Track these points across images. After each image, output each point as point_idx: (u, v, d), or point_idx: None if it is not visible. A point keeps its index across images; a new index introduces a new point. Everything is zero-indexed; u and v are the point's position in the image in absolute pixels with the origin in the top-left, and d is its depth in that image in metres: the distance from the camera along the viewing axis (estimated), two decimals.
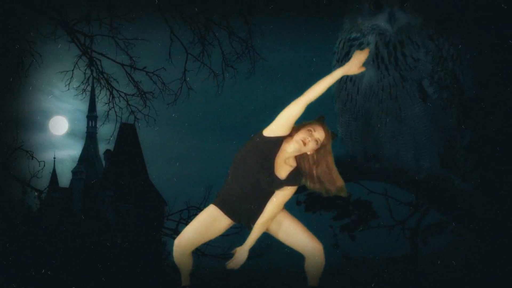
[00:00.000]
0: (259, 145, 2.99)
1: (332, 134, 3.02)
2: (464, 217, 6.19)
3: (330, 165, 3.01)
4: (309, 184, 3.06)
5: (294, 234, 3.15)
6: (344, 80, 5.87)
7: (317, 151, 2.98)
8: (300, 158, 3.02)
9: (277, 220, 3.16)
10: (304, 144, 2.94)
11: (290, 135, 2.99)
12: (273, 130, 2.98)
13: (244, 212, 3.15)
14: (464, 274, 6.34)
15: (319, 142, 2.96)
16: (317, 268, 3.16)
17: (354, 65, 2.94)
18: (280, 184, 3.02)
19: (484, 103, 6.36)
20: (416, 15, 5.70)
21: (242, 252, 3.12)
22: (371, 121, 5.86)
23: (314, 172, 3.01)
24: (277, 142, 2.98)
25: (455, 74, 5.96)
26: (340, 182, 3.04)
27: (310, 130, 2.96)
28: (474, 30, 6.40)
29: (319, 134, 2.97)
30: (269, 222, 3.09)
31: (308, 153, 2.97)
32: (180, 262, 3.26)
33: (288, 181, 3.03)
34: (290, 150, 2.99)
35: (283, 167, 3.03)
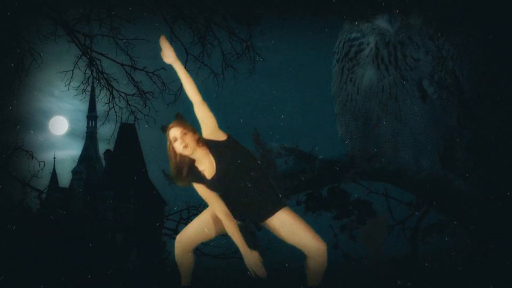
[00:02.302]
0: (190, 178, 3.15)
1: (176, 117, 3.11)
2: (464, 217, 6.19)
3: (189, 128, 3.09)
4: None
5: (297, 232, 3.14)
6: (344, 80, 5.87)
7: (185, 138, 3.05)
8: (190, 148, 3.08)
9: (280, 218, 3.15)
10: (185, 147, 3.05)
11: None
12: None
13: (241, 209, 3.15)
14: (463, 274, 6.34)
15: (177, 137, 3.05)
16: (319, 267, 3.16)
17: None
18: (225, 173, 3.08)
19: (484, 103, 6.36)
20: (416, 15, 5.70)
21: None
22: (371, 121, 5.85)
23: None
24: (189, 161, 3.11)
25: (455, 74, 5.96)
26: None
27: (171, 141, 3.08)
28: (474, 30, 6.40)
29: (172, 134, 3.07)
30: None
31: (187, 149, 3.04)
32: (181, 260, 3.26)
33: (224, 163, 3.10)
34: (194, 157, 3.09)
35: (206, 168, 3.10)
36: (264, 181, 3.14)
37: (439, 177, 6.08)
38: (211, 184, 3.10)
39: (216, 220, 3.20)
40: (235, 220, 3.15)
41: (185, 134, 3.07)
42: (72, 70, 8.62)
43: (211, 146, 3.09)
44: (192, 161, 3.11)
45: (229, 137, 3.11)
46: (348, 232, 6.93)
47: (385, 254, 7.18)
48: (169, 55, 3.22)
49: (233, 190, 3.09)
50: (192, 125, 3.13)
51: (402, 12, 5.60)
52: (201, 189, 3.15)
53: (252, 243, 3.18)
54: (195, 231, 3.21)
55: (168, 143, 3.11)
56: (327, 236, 6.74)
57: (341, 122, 6.08)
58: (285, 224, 3.15)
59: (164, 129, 3.15)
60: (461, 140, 6.22)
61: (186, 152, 3.06)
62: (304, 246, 3.13)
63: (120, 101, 8.88)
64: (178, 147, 3.07)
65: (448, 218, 6.58)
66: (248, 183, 3.08)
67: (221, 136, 3.10)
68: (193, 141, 3.08)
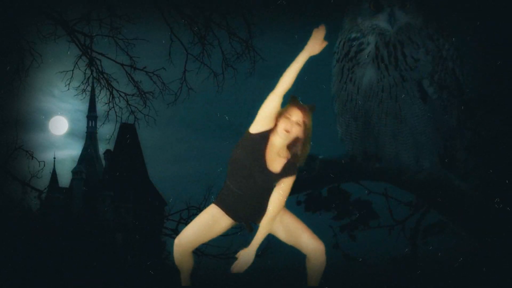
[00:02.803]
0: (248, 143, 3.01)
1: (310, 107, 3.04)
2: (464, 217, 6.19)
3: (309, 137, 3.02)
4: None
5: (296, 233, 3.15)
6: (344, 80, 5.87)
7: (299, 130, 2.99)
8: (291, 144, 3.03)
9: (279, 219, 3.15)
10: (288, 132, 2.96)
11: (276, 126, 3.01)
12: (257, 126, 3.00)
13: (244, 212, 3.15)
14: (464, 274, 6.34)
15: (300, 122, 2.97)
16: (318, 268, 3.16)
17: (315, 44, 2.98)
18: (276, 178, 3.02)
19: (484, 103, 6.36)
20: (416, 15, 5.69)
21: (247, 254, 3.09)
22: (371, 121, 5.85)
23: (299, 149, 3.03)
24: (264, 137, 3.00)
25: (455, 74, 5.96)
26: (307, 151, 3.03)
27: (288, 116, 2.97)
28: (474, 30, 6.40)
29: (296, 116, 2.98)
30: (274, 219, 3.08)
31: (299, 136, 2.99)
32: (180, 262, 3.25)
33: (284, 174, 3.03)
34: (277, 142, 3.00)
35: (276, 160, 3.03)
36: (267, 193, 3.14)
37: (439, 177, 6.07)
38: (254, 166, 3.01)
39: (215, 222, 3.19)
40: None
41: (299, 125, 2.99)
42: (72, 70, 8.63)
43: (292, 163, 3.03)
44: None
45: None
46: (348, 232, 6.93)
47: (385, 254, 7.18)
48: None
49: (252, 194, 3.07)
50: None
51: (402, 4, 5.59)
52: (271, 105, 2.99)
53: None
54: (194, 233, 3.20)
55: (286, 108, 3.01)
56: (327, 236, 6.76)
57: (341, 122, 6.07)
58: (283, 224, 3.15)
59: (294, 99, 3.05)
60: (461, 140, 6.21)
61: (282, 135, 2.97)
62: (302, 246, 3.14)
63: (120, 101, 8.90)
64: (289, 127, 2.96)
65: (448, 218, 6.58)
66: (263, 183, 3.06)
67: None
68: (294, 136, 3.00)
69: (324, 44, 3.00)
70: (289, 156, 3.01)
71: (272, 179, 3.01)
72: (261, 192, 3.07)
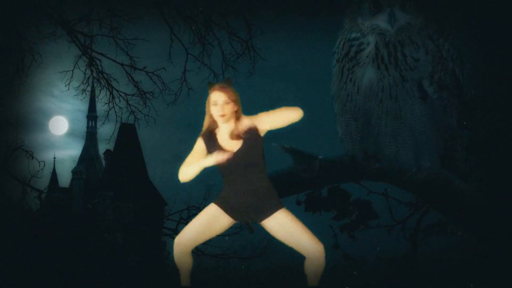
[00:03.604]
0: (204, 141, 3.14)
1: (226, 81, 3.13)
2: (464, 217, 6.19)
3: (238, 111, 3.09)
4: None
5: (295, 234, 3.15)
6: (344, 80, 5.87)
7: (225, 107, 3.05)
8: (232, 119, 3.07)
9: (278, 219, 3.15)
10: (222, 115, 3.05)
11: (214, 123, 3.12)
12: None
13: (243, 210, 3.15)
14: (464, 274, 6.34)
15: (221, 100, 3.06)
16: (317, 268, 3.16)
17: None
18: (248, 147, 3.07)
19: (484, 103, 6.36)
20: (416, 15, 5.69)
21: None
22: (371, 121, 5.85)
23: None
24: (212, 132, 3.11)
25: (455, 74, 5.96)
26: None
27: (210, 103, 3.08)
28: (474, 30, 6.40)
29: (214, 97, 3.07)
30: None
31: (223, 118, 3.05)
32: (180, 261, 3.25)
33: (249, 136, 3.08)
34: (226, 128, 3.09)
35: (234, 139, 3.09)
36: (265, 182, 3.14)
37: (439, 177, 6.07)
38: (217, 152, 3.07)
39: (215, 221, 3.19)
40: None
41: (227, 103, 3.07)
42: (72, 70, 8.62)
43: (249, 129, 3.08)
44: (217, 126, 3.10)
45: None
46: (348, 232, 6.93)
47: (385, 254, 7.19)
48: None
49: (241, 188, 3.10)
50: (238, 93, 3.12)
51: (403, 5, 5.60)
52: (199, 147, 3.14)
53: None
54: (194, 232, 3.20)
55: (207, 99, 3.11)
56: (327, 236, 6.76)
57: (341, 122, 6.07)
58: (283, 225, 3.15)
59: (210, 86, 3.14)
60: (461, 140, 6.21)
61: (220, 121, 3.06)
62: (301, 247, 3.14)
63: (120, 101, 8.89)
64: (215, 112, 3.07)
65: (448, 218, 6.58)
66: (255, 181, 3.09)
67: (263, 131, 3.11)
68: (231, 113, 3.08)
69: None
70: (242, 127, 3.07)
71: (246, 152, 3.05)
72: (253, 189, 3.08)
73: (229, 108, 3.07)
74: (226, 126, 3.11)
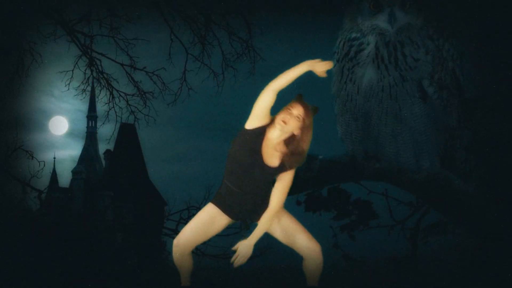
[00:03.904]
0: (244, 139, 3.02)
1: (313, 108, 3.03)
2: (464, 217, 6.19)
3: (308, 140, 3.00)
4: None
5: (292, 234, 3.14)
6: (344, 80, 5.87)
7: (297, 126, 2.98)
8: (288, 140, 3.02)
9: (277, 219, 3.15)
10: (285, 123, 2.96)
11: (273, 123, 3.01)
12: (252, 122, 3.00)
13: (242, 210, 3.15)
14: (464, 274, 6.34)
15: (300, 118, 2.96)
16: (316, 268, 3.16)
17: (321, 66, 2.98)
18: (274, 172, 3.02)
19: (484, 103, 6.36)
20: (416, 15, 5.69)
21: (246, 246, 3.09)
22: (371, 121, 5.85)
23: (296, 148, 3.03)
24: (260, 133, 3.01)
25: (455, 74, 5.96)
26: (304, 154, 3.03)
27: (289, 109, 2.98)
28: (474, 30, 6.40)
29: (297, 110, 2.98)
30: (275, 214, 3.08)
31: (295, 132, 2.98)
32: (179, 262, 3.25)
33: (281, 168, 3.02)
34: (274, 135, 3.00)
35: (274, 155, 3.02)
36: (266, 187, 3.14)
37: (439, 177, 6.07)
38: (247, 154, 3.01)
39: (213, 221, 3.19)
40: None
41: (303, 126, 2.99)
42: (72, 70, 8.62)
43: (287, 160, 3.03)
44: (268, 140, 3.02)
45: None
46: (348, 232, 6.93)
47: (385, 254, 7.18)
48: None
49: (249, 188, 3.07)
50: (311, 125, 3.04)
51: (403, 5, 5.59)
52: (265, 102, 3.00)
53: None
54: (192, 232, 3.20)
55: (287, 107, 3.00)
56: (327, 236, 6.76)
57: (341, 122, 6.07)
58: (281, 225, 3.15)
59: (299, 98, 3.04)
60: (461, 140, 6.21)
61: (282, 127, 2.97)
62: (298, 247, 3.14)
63: (120, 101, 8.89)
64: (287, 119, 2.96)
65: (448, 218, 6.58)
66: (262, 183, 3.07)
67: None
68: (294, 131, 3.00)
69: (324, 74, 3.00)
70: (287, 152, 3.00)
71: (270, 174, 3.01)
72: (259, 189, 3.07)
73: (295, 125, 2.98)
74: (276, 135, 3.03)
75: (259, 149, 2.99)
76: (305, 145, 3.00)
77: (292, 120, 2.95)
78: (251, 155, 2.99)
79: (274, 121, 3.00)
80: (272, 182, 3.09)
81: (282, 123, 2.95)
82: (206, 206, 3.22)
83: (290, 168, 3.02)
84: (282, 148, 3.01)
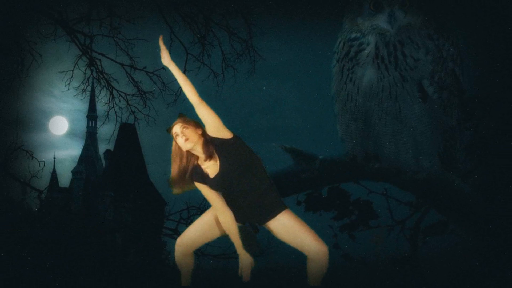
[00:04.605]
0: (200, 180, 3.15)
1: (179, 117, 3.11)
2: (464, 217, 6.19)
3: (192, 124, 3.09)
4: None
5: (299, 235, 3.12)
6: (344, 80, 5.87)
7: (186, 132, 3.06)
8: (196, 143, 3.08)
9: (282, 221, 3.14)
10: (181, 144, 3.05)
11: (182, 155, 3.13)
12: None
13: (243, 212, 3.14)
14: (463, 274, 6.34)
15: (178, 134, 3.06)
16: (320, 269, 3.14)
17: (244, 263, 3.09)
18: (226, 161, 3.09)
19: (484, 103, 6.36)
20: (416, 15, 5.70)
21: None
22: (371, 121, 5.85)
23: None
24: (187, 166, 3.12)
25: (455, 74, 5.96)
26: (210, 126, 3.10)
27: (175, 137, 3.09)
28: (474, 30, 6.40)
29: (174, 130, 3.07)
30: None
31: (188, 142, 3.04)
32: (181, 262, 3.25)
33: (223, 150, 3.10)
34: (196, 154, 3.09)
35: (209, 164, 3.09)
36: (266, 182, 3.12)
37: (439, 177, 6.07)
38: (214, 183, 3.08)
39: (216, 222, 3.18)
40: (235, 222, 3.14)
41: (185, 128, 3.06)
42: (72, 70, 8.61)
43: (216, 144, 3.07)
44: (196, 159, 3.10)
45: (234, 136, 3.07)
46: (348, 232, 6.93)
47: (385, 254, 7.18)
48: (164, 57, 3.23)
49: (236, 190, 3.08)
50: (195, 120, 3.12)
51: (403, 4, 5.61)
52: (204, 190, 3.13)
53: (253, 245, 3.17)
54: (195, 234, 3.19)
55: (173, 144, 3.11)
56: (327, 236, 6.76)
57: (341, 122, 6.07)
58: (287, 226, 3.12)
59: (169, 130, 3.15)
60: (461, 140, 6.22)
61: (188, 145, 3.03)
62: (305, 248, 3.11)
63: (120, 101, 8.88)
64: (180, 141, 3.05)
65: (448, 218, 6.58)
66: (251, 183, 3.06)
67: (226, 135, 3.06)
68: (195, 135, 3.05)
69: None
70: (204, 148, 3.07)
71: (229, 164, 3.06)
72: (255, 186, 3.07)
73: (190, 132, 3.05)
74: (199, 151, 3.08)
75: (207, 174, 3.10)
76: (200, 129, 3.07)
77: (181, 137, 3.07)
78: (205, 176, 3.09)
79: (190, 158, 3.11)
80: (262, 183, 3.10)
81: (186, 144, 3.05)
82: (210, 208, 3.21)
83: (216, 136, 3.08)
84: (201, 151, 3.07)
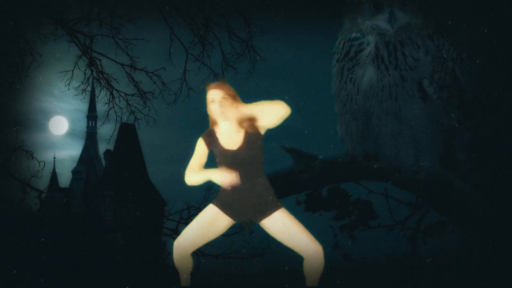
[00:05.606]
0: (205, 141, 3.15)
1: (221, 79, 3.17)
2: (464, 217, 6.19)
3: (237, 103, 3.11)
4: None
5: (293, 235, 3.14)
6: (344, 80, 5.87)
7: (224, 103, 3.06)
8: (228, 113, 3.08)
9: (277, 219, 3.15)
10: (215, 112, 3.08)
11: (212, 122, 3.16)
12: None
13: (242, 208, 3.15)
14: (464, 274, 6.34)
15: (215, 99, 3.07)
16: (316, 269, 3.16)
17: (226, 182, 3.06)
18: (247, 146, 3.08)
19: (484, 103, 6.36)
20: (416, 15, 5.70)
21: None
22: (371, 121, 5.85)
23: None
24: (212, 131, 3.13)
25: (455, 74, 5.96)
26: (250, 112, 3.12)
27: (209, 102, 3.10)
28: (474, 30, 6.40)
29: (210, 95, 3.09)
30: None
31: (223, 115, 3.05)
32: (179, 264, 3.25)
33: (251, 135, 3.09)
34: (225, 124, 3.10)
35: (235, 136, 3.09)
36: (263, 181, 3.14)
37: (439, 177, 6.07)
38: (221, 154, 3.07)
39: (214, 222, 3.19)
40: (197, 173, 3.13)
41: (225, 99, 3.06)
42: (72, 70, 8.62)
43: (251, 128, 3.07)
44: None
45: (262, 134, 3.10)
46: (348, 232, 6.92)
47: (385, 254, 7.18)
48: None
49: (245, 188, 3.09)
50: (234, 90, 3.12)
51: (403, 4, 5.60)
52: (200, 149, 3.14)
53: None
54: (193, 234, 3.20)
55: (206, 99, 3.10)
56: (327, 236, 6.76)
57: (341, 122, 6.07)
58: (282, 225, 3.14)
59: (206, 85, 3.14)
60: (461, 140, 6.21)
61: (220, 117, 3.04)
62: (300, 248, 3.13)
63: (120, 101, 8.89)
64: (214, 109, 3.06)
65: (448, 218, 6.58)
66: (251, 180, 3.08)
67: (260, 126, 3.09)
68: (232, 109, 3.06)
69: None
70: (241, 123, 3.07)
71: (246, 148, 3.05)
72: (253, 183, 3.08)
73: (228, 104, 3.06)
74: (226, 123, 3.10)
75: (220, 144, 3.09)
76: (244, 108, 3.07)
77: (219, 104, 3.03)
78: (221, 150, 3.06)
79: (214, 121, 3.11)
80: (260, 181, 3.10)
81: (220, 113, 3.07)
82: (207, 207, 3.22)
83: (255, 129, 3.07)
84: (237, 125, 3.08)
